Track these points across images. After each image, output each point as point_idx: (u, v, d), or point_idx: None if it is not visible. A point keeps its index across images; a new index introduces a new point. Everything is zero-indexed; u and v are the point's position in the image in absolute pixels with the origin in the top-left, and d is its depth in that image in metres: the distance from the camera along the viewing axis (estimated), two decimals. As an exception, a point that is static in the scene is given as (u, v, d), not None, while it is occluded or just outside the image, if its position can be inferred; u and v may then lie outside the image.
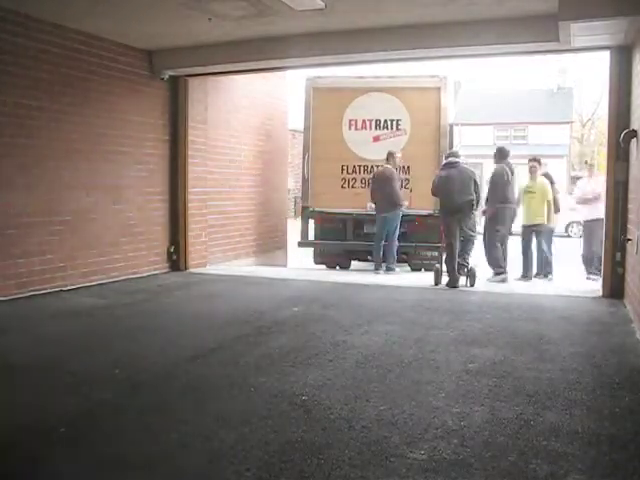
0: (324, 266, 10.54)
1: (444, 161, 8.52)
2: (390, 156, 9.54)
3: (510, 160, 9.12)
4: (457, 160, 8.36)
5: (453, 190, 8.05)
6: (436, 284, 8.16)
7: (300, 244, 10.86)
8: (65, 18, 7.07)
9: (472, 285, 8.06)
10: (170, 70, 8.90)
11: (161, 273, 9.00)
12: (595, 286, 7.92)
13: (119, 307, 6.76)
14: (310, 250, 10.80)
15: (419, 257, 9.97)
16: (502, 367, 4.44)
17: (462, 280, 8.10)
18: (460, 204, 8.04)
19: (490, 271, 8.72)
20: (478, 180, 8.32)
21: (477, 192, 8.23)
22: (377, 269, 9.49)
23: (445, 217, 8.25)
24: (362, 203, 10.15)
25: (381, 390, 3.94)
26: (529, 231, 9.21)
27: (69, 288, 7.44)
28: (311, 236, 10.65)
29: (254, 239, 11.27)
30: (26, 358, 4.63)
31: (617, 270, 7.21)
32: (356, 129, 10.41)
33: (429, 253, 9.74)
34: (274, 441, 3.14)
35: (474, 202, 8.13)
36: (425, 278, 8.87)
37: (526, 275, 9.03)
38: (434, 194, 8.46)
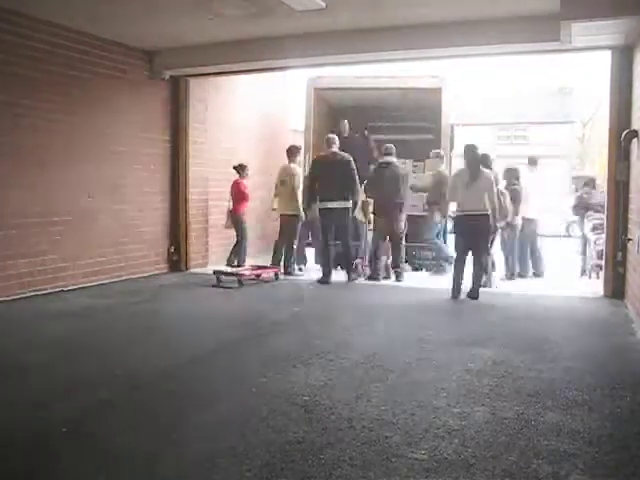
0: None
1: (466, 160, 7.40)
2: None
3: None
4: (479, 158, 7.38)
5: (469, 196, 7.16)
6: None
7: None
8: (66, 19, 7.08)
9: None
10: (170, 70, 8.90)
11: (162, 273, 9.00)
12: (596, 286, 7.91)
13: (120, 307, 6.76)
14: (311, 250, 10.77)
15: (420, 257, 9.95)
16: (503, 367, 4.43)
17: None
18: (477, 216, 7.13)
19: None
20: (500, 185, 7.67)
21: (493, 200, 7.21)
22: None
23: (459, 226, 7.37)
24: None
25: (382, 390, 3.94)
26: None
27: (70, 288, 7.44)
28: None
29: (256, 239, 11.25)
30: (27, 358, 4.62)
31: (618, 270, 7.21)
32: (357, 129, 10.37)
33: (429, 253, 9.72)
34: (275, 441, 3.14)
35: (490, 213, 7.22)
36: (425, 278, 8.89)
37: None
38: (452, 199, 7.69)
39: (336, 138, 8.63)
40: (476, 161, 7.32)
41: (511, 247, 8.82)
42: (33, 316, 6.19)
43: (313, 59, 8.24)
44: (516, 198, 8.60)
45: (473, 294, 7.17)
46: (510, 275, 8.83)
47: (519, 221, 8.77)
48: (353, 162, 8.34)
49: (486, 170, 7.37)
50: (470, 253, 7.30)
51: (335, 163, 8.35)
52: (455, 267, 7.38)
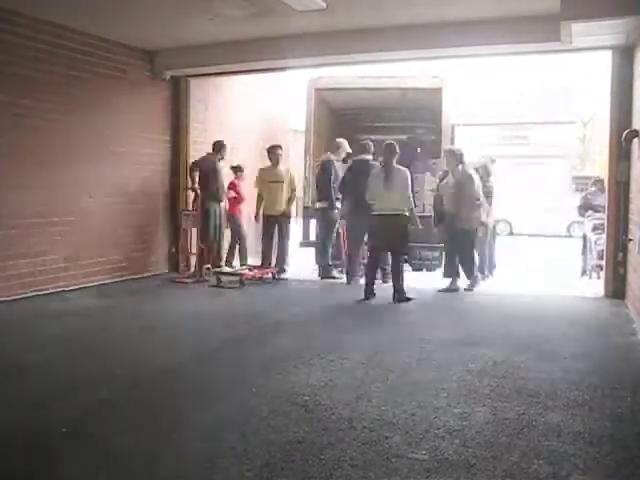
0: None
1: (383, 158, 7.40)
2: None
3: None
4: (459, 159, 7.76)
5: (384, 196, 7.09)
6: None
7: (302, 244, 10.84)
8: (67, 19, 7.08)
9: (473, 287, 7.95)
10: (171, 70, 8.91)
11: (162, 273, 9.00)
12: (597, 286, 7.90)
13: (121, 307, 6.77)
14: (311, 250, 10.76)
15: (420, 257, 9.93)
16: (503, 367, 4.43)
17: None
18: (390, 216, 7.02)
19: None
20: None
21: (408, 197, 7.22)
22: None
23: (372, 226, 7.26)
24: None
25: (382, 390, 3.94)
26: None
27: (71, 288, 7.45)
28: (312, 236, 10.62)
29: (256, 239, 11.25)
30: (28, 358, 4.63)
31: (619, 270, 7.21)
32: (357, 129, 10.38)
33: (430, 254, 9.70)
34: (276, 441, 3.14)
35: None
36: (425, 279, 8.87)
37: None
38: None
39: (339, 148, 8.79)
40: (391, 160, 7.15)
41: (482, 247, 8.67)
42: (34, 316, 6.19)
43: (313, 59, 8.24)
44: (489, 195, 8.45)
45: (400, 298, 6.87)
46: (483, 275, 8.67)
47: (492, 220, 8.65)
48: (326, 166, 8.71)
49: (402, 168, 7.20)
50: (389, 255, 7.25)
51: (319, 167, 8.94)
52: (367, 268, 7.27)
